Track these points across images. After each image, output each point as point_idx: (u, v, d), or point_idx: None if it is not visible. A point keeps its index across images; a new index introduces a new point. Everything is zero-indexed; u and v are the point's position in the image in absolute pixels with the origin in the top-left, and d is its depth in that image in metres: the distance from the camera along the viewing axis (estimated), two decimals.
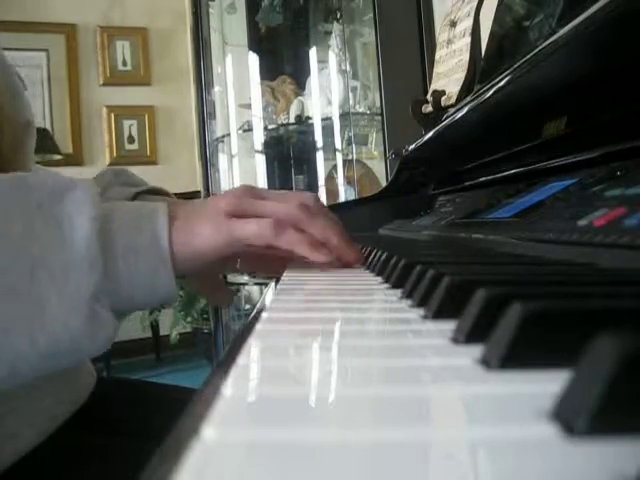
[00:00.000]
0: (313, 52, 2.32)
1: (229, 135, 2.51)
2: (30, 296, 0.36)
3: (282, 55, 2.62)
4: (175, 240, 0.42)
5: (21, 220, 0.37)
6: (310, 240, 0.46)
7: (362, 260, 0.52)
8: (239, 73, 2.50)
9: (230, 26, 2.61)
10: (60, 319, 0.37)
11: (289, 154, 2.64)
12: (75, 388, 0.60)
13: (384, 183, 1.88)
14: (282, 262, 0.55)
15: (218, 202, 0.46)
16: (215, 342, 2.59)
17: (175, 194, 0.68)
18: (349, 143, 2.31)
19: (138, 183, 0.65)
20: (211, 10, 2.58)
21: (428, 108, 1.16)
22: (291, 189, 2.55)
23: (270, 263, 0.58)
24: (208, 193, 2.54)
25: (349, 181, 2.31)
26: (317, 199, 0.50)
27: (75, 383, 0.60)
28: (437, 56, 1.22)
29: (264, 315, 0.28)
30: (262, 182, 2.46)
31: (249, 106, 2.46)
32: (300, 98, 2.37)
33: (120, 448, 0.56)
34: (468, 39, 1.08)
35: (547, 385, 0.15)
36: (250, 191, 0.48)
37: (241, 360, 0.20)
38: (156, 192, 0.66)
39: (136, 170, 0.69)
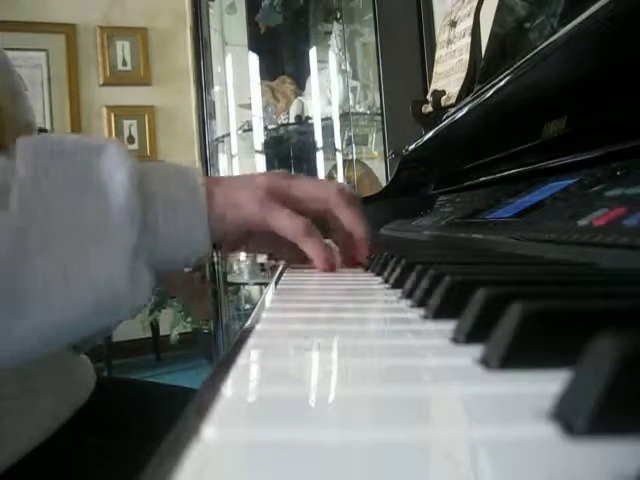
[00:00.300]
0: (313, 52, 2.32)
1: (229, 135, 2.51)
2: (72, 252, 0.36)
3: (282, 55, 2.62)
4: (212, 202, 0.43)
5: (60, 176, 0.37)
6: (328, 254, 0.48)
7: (367, 262, 0.53)
8: (239, 73, 2.50)
9: (230, 26, 2.61)
10: (102, 271, 0.36)
11: (289, 154, 2.64)
12: (75, 388, 0.60)
13: (384, 183, 1.88)
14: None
15: (259, 177, 0.47)
16: (215, 342, 2.59)
17: None
18: (349, 143, 2.31)
19: None
20: (211, 10, 2.58)
21: (428, 108, 1.16)
22: None
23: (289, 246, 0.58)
24: None
25: (349, 181, 2.31)
26: (353, 191, 0.52)
27: (75, 383, 0.60)
28: (437, 56, 1.22)
29: (264, 315, 0.28)
30: None
31: (249, 106, 2.46)
32: (300, 98, 2.37)
33: (120, 448, 0.56)
34: (468, 39, 1.08)
35: (547, 385, 0.15)
36: (286, 174, 0.49)
37: (241, 360, 0.20)
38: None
39: None
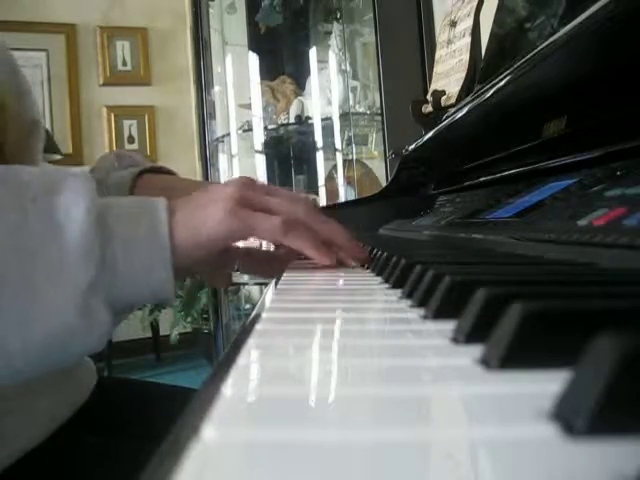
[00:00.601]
0: (313, 52, 2.32)
1: (229, 135, 2.51)
2: (26, 288, 0.35)
3: (282, 55, 2.62)
4: (176, 234, 0.41)
5: (15, 213, 0.36)
6: (317, 242, 0.46)
7: (367, 259, 0.52)
8: (239, 73, 2.50)
9: (230, 26, 2.61)
10: (55, 311, 0.36)
11: (289, 154, 2.64)
12: (75, 388, 0.60)
13: (384, 183, 1.88)
14: (282, 264, 0.55)
15: (225, 190, 0.45)
16: (215, 342, 2.59)
17: None
18: (349, 143, 2.31)
19: (140, 164, 0.65)
20: (211, 10, 2.58)
21: (428, 108, 1.16)
22: (291, 189, 2.55)
23: (270, 265, 0.58)
24: None
25: (349, 181, 2.31)
26: (315, 203, 0.51)
27: (75, 383, 0.60)
28: (437, 56, 1.22)
29: (264, 315, 0.28)
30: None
31: (249, 106, 2.46)
32: (300, 98, 2.37)
33: (120, 448, 0.56)
34: (468, 39, 1.08)
35: (547, 385, 0.15)
36: (252, 184, 0.47)
37: (241, 360, 0.20)
38: (158, 170, 0.65)
39: None
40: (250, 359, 0.21)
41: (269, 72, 2.49)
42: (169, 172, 0.66)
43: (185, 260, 0.42)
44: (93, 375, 0.65)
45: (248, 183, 0.46)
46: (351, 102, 2.23)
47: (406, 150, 1.15)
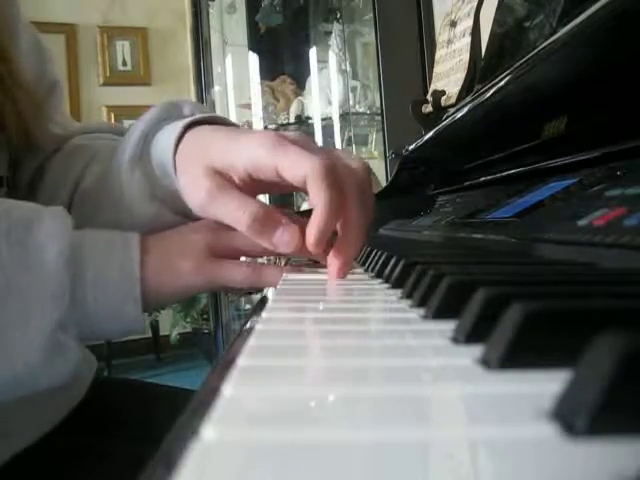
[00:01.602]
0: (313, 52, 2.32)
1: None
2: None
3: (282, 55, 2.62)
4: (148, 276, 0.42)
5: None
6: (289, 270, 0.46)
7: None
8: (239, 73, 2.50)
9: (230, 26, 2.61)
10: (19, 352, 0.37)
11: None
12: (74, 384, 0.60)
13: (384, 183, 1.88)
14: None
15: (195, 236, 0.44)
16: (215, 342, 2.60)
17: None
18: (349, 143, 2.31)
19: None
20: (211, 10, 2.58)
21: (428, 108, 1.16)
22: None
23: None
24: None
25: None
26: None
27: (74, 378, 0.60)
28: (437, 56, 1.22)
29: (264, 315, 0.28)
30: None
31: (249, 106, 2.46)
32: (300, 98, 2.37)
33: (120, 448, 0.56)
34: (468, 39, 1.08)
35: (547, 385, 0.15)
36: (218, 227, 0.44)
37: (241, 360, 0.20)
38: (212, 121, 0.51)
39: None
40: (250, 359, 0.21)
41: (269, 72, 2.49)
42: (224, 122, 0.52)
43: (154, 301, 0.43)
44: (91, 370, 0.64)
45: (214, 228, 0.45)
46: (351, 102, 2.23)
47: (406, 150, 1.15)
